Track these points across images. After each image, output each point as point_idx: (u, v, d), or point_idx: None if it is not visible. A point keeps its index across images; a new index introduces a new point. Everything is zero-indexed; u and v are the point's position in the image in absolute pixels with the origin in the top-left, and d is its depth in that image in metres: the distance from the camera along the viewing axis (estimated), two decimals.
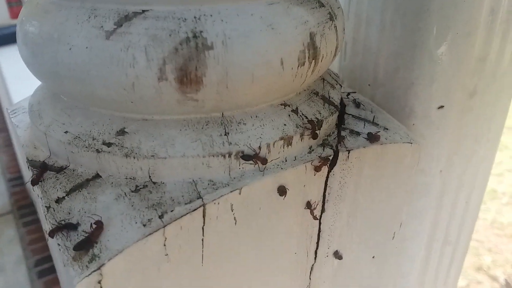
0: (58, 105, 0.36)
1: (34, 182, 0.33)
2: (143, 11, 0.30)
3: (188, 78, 0.30)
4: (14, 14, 2.08)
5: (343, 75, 0.56)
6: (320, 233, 0.41)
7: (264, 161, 0.34)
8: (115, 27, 0.29)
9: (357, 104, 0.47)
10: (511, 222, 2.09)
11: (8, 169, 2.74)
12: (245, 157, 0.34)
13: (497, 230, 2.07)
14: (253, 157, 0.34)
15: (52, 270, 2.01)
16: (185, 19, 0.30)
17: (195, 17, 0.30)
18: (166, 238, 0.30)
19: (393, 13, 0.47)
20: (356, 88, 0.54)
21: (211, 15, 0.30)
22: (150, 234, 0.29)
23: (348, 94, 0.49)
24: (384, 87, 0.50)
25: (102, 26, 0.30)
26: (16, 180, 2.61)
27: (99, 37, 0.30)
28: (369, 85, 0.52)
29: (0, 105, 2.59)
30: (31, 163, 0.36)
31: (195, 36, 0.30)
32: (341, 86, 0.45)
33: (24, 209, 2.39)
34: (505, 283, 1.68)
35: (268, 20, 0.32)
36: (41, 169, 0.34)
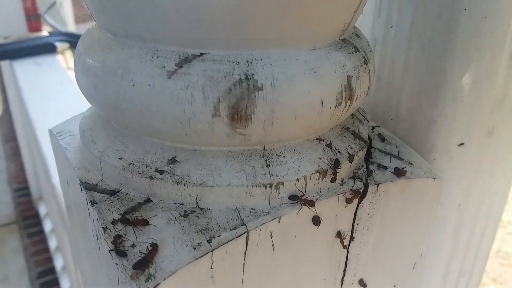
0: (111, 133, 0.39)
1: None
2: (202, 54, 0.33)
3: (239, 115, 0.33)
4: (32, 28, 2.15)
5: (366, 109, 0.58)
6: (348, 261, 0.44)
7: (312, 203, 0.37)
8: (176, 67, 0.33)
9: (382, 139, 0.50)
10: None
11: (15, 178, 2.77)
12: (292, 197, 0.37)
13: (502, 259, 2.06)
14: (300, 198, 0.37)
15: (54, 283, 2.02)
16: (238, 62, 0.33)
17: (247, 61, 0.33)
18: (213, 261, 0.33)
19: (418, 53, 0.50)
20: (378, 121, 0.57)
21: (261, 59, 0.33)
22: (200, 257, 0.32)
23: (373, 128, 0.52)
24: (406, 123, 0.53)
25: (164, 66, 0.33)
26: (22, 190, 2.63)
27: (161, 76, 0.33)
28: (391, 119, 0.55)
29: (11, 115, 2.63)
30: (84, 185, 0.39)
31: (247, 78, 0.33)
32: (368, 121, 0.48)
33: (29, 219, 2.41)
34: None
35: (311, 65, 0.35)
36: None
